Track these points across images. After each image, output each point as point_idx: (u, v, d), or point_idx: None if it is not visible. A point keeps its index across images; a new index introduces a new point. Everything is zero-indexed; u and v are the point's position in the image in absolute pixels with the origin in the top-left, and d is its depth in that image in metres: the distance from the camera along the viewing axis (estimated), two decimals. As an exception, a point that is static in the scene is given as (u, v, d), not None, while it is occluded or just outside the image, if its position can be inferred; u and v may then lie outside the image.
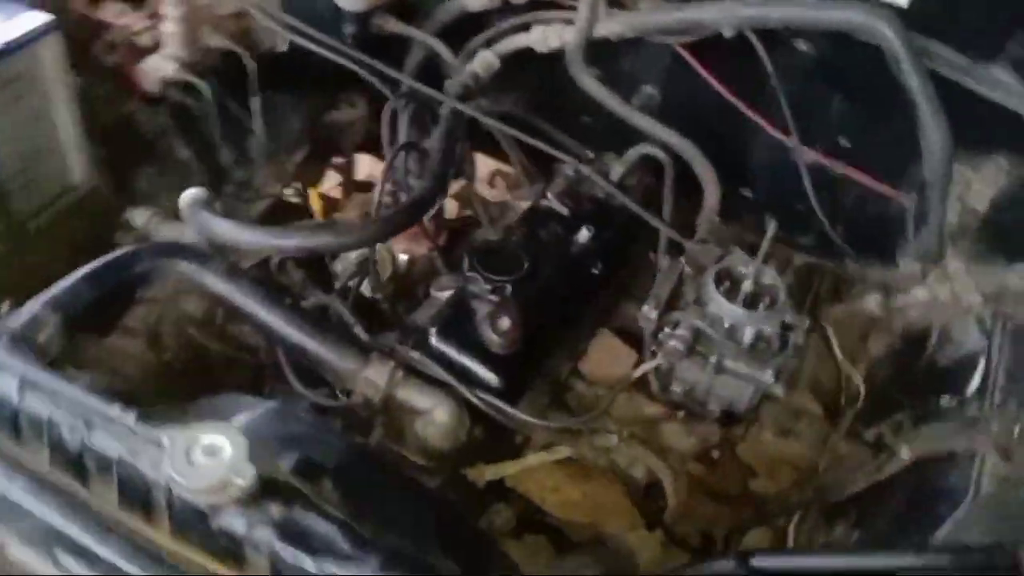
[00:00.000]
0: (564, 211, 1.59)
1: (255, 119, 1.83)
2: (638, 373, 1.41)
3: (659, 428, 1.49)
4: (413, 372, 1.31)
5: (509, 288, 1.39)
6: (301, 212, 1.84)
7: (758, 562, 1.27)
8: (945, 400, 1.47)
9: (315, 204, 1.78)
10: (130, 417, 0.86)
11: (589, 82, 1.64)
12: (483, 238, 1.61)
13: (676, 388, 1.43)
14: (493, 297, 1.39)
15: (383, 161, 1.78)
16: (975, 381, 1.43)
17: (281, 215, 1.83)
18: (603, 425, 1.39)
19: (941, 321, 1.57)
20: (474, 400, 1.30)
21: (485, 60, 1.69)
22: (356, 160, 2.07)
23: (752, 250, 1.44)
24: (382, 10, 1.78)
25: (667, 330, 1.39)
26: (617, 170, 1.61)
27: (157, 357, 1.26)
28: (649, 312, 1.38)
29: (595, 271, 1.54)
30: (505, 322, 1.35)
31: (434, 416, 1.28)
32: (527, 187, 1.79)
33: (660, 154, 1.59)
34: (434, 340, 1.36)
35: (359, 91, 2.10)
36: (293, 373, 1.32)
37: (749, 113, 1.69)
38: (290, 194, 1.83)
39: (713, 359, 1.35)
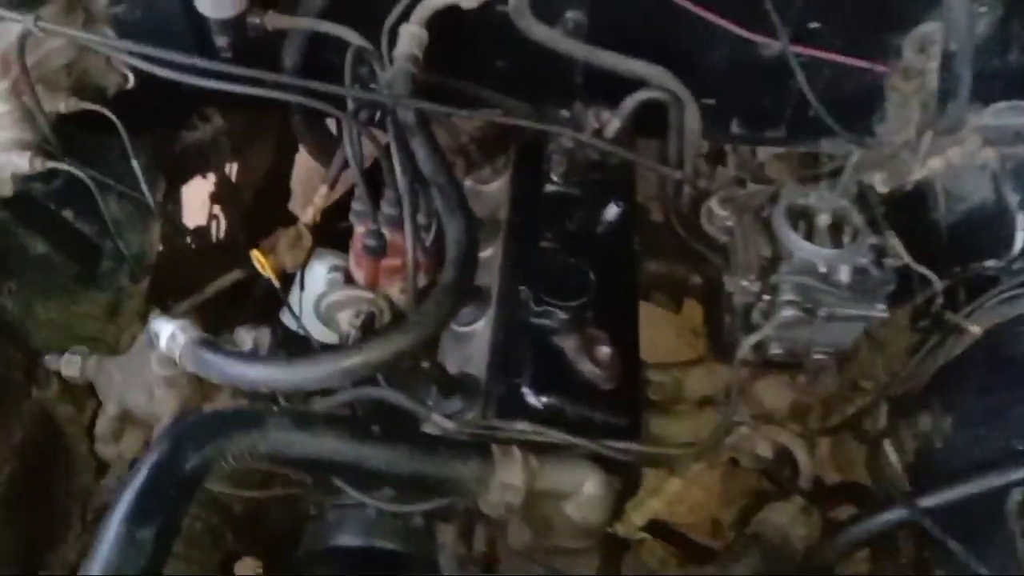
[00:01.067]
0: (577, 191, 1.36)
1: (140, 174, 1.44)
2: (743, 352, 1.25)
3: (753, 393, 1.37)
4: (534, 448, 1.09)
5: (592, 313, 1.18)
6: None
7: (928, 502, 1.21)
8: (991, 264, 1.45)
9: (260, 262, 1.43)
10: None
11: (541, 30, 1.39)
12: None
13: (775, 348, 1.29)
14: (565, 319, 1.17)
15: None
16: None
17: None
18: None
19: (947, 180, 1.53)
20: (614, 454, 1.11)
21: (414, 36, 1.37)
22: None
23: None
24: (254, 8, 1.41)
25: (765, 297, 1.23)
26: (614, 124, 1.39)
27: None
28: (750, 284, 1.22)
29: (636, 247, 1.35)
30: (604, 351, 1.14)
31: (585, 492, 1.08)
32: (486, 169, 1.53)
33: (662, 95, 1.39)
34: (533, 399, 1.13)
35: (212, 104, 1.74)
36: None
37: (703, 14, 1.51)
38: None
39: (823, 312, 1.22)
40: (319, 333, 1.47)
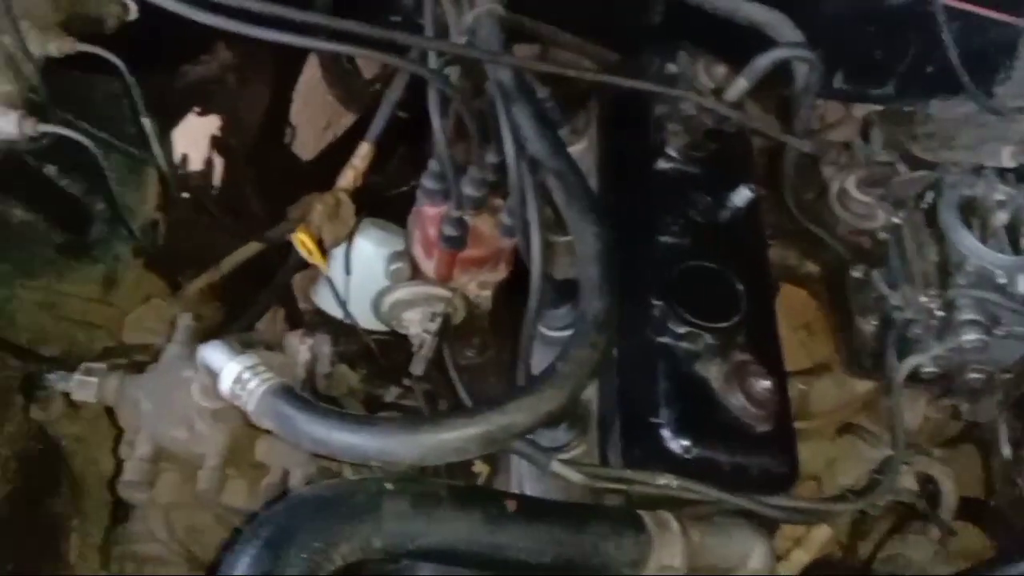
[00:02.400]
0: (696, 170, 1.12)
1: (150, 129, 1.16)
2: (902, 376, 1.05)
3: (880, 409, 1.19)
4: (679, 505, 0.89)
5: (743, 335, 0.96)
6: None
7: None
8: None
9: (307, 247, 1.16)
10: None
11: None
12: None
13: (929, 367, 1.10)
14: (713, 343, 0.96)
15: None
16: None
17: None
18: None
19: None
20: (779, 515, 0.91)
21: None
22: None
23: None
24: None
25: (938, 313, 1.03)
26: (740, 85, 1.14)
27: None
28: (929, 300, 1.01)
29: (769, 241, 1.13)
30: (763, 383, 0.93)
31: (750, 566, 0.88)
32: (564, 128, 1.27)
33: (803, 53, 1.14)
34: (675, 444, 0.92)
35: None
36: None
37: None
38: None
39: (1000, 331, 1.03)
40: (365, 320, 1.24)
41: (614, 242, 0.89)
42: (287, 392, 0.77)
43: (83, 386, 0.98)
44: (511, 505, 0.78)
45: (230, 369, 0.79)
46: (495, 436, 0.74)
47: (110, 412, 1.02)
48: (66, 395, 1.01)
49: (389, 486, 0.75)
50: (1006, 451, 1.21)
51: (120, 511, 1.06)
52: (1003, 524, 1.25)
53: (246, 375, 0.79)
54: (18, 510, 1.08)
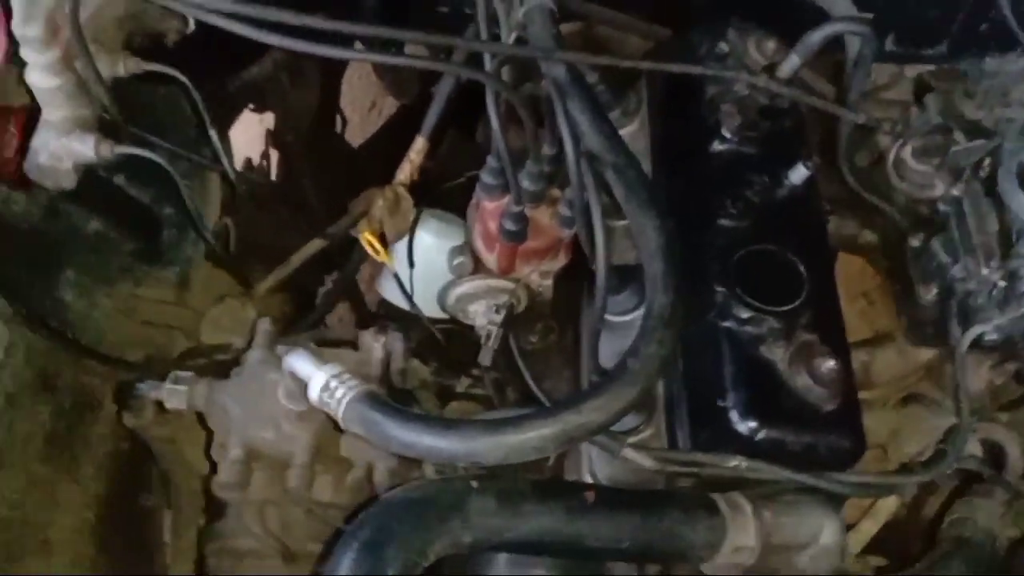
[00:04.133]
0: (752, 150, 1.13)
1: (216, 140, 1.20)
2: (965, 345, 1.06)
3: (943, 375, 1.20)
4: (749, 486, 0.92)
5: (806, 315, 0.98)
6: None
7: None
8: None
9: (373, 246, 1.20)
10: None
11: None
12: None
13: (992, 335, 1.10)
14: (777, 327, 0.98)
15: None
16: None
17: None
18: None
19: None
20: (847, 490, 0.94)
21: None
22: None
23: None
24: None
25: (1001, 283, 1.03)
26: (792, 62, 1.14)
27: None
28: (991, 272, 1.02)
29: (827, 218, 1.14)
30: (828, 363, 0.95)
31: (821, 543, 0.91)
32: (615, 111, 1.28)
33: (858, 28, 1.14)
34: (743, 426, 0.95)
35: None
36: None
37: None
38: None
39: (1067, 298, 1.03)
40: (429, 310, 1.28)
41: (675, 233, 0.90)
42: (373, 398, 0.81)
43: (174, 394, 1.03)
44: (590, 496, 0.82)
45: (318, 378, 0.83)
46: (572, 434, 0.77)
47: (198, 415, 1.07)
48: (158, 402, 1.06)
49: (475, 484, 0.78)
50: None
51: (212, 508, 1.11)
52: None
53: (333, 383, 0.83)
54: (113, 508, 1.15)
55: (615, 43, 1.53)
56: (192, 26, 1.17)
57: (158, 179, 1.28)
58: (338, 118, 1.88)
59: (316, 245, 1.38)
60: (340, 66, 1.86)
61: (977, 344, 1.10)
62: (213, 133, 1.16)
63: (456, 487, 0.78)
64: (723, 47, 1.19)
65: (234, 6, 0.84)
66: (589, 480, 1.07)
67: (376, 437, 0.79)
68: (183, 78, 1.09)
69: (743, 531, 0.86)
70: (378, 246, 1.16)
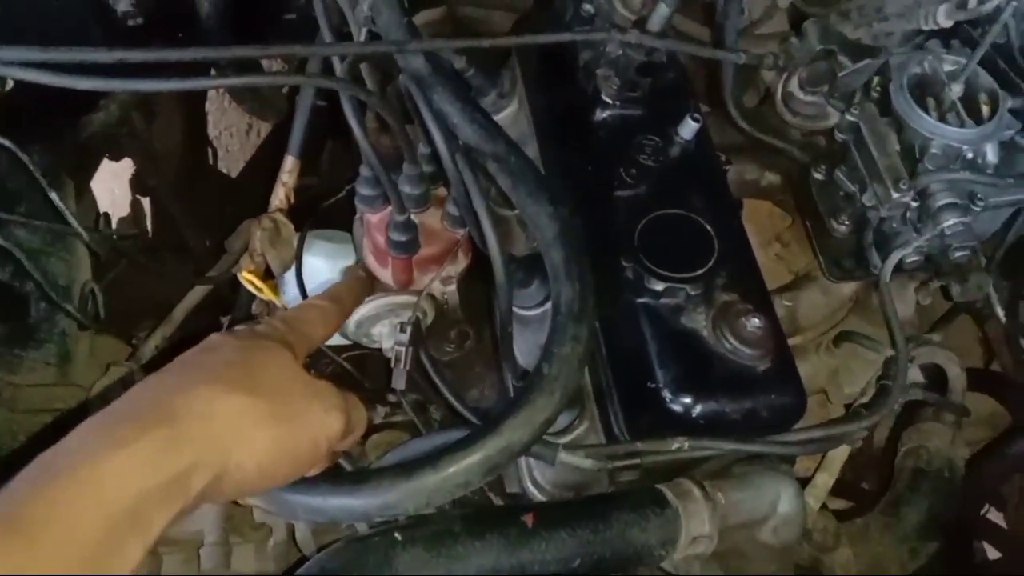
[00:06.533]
0: (637, 111, 1.07)
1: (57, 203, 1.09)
2: (887, 273, 1.02)
3: (868, 307, 1.16)
4: (696, 465, 0.86)
5: (722, 275, 0.92)
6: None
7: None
8: None
9: (254, 284, 1.10)
10: None
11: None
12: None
13: (913, 257, 1.06)
14: (694, 293, 0.92)
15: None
16: None
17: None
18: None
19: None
20: (797, 451, 0.89)
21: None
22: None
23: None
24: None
25: (913, 204, 0.99)
26: (662, 12, 1.07)
27: None
28: (901, 195, 0.97)
29: (726, 167, 1.08)
30: (753, 321, 0.90)
31: (781, 511, 0.86)
32: (490, 95, 1.21)
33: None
34: (678, 404, 0.88)
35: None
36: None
37: None
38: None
39: (978, 207, 1.00)
40: (332, 339, 1.19)
41: (571, 218, 0.84)
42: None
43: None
44: (529, 520, 0.75)
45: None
46: (496, 460, 0.70)
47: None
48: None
49: (399, 536, 0.71)
50: (1001, 314, 1.18)
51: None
52: (1009, 385, 1.24)
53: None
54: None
55: (481, 23, 1.46)
56: (10, 84, 1.06)
57: (13, 254, 1.17)
58: (209, 150, 1.77)
59: (199, 293, 1.28)
60: (199, 95, 1.75)
61: (899, 268, 1.07)
62: (54, 195, 1.04)
63: (378, 545, 0.70)
64: (588, 8, 1.12)
65: (29, 54, 0.73)
66: (531, 488, 1.01)
67: (281, 510, 0.71)
68: (6, 141, 0.98)
69: (697, 519, 0.80)
70: (259, 284, 1.07)
